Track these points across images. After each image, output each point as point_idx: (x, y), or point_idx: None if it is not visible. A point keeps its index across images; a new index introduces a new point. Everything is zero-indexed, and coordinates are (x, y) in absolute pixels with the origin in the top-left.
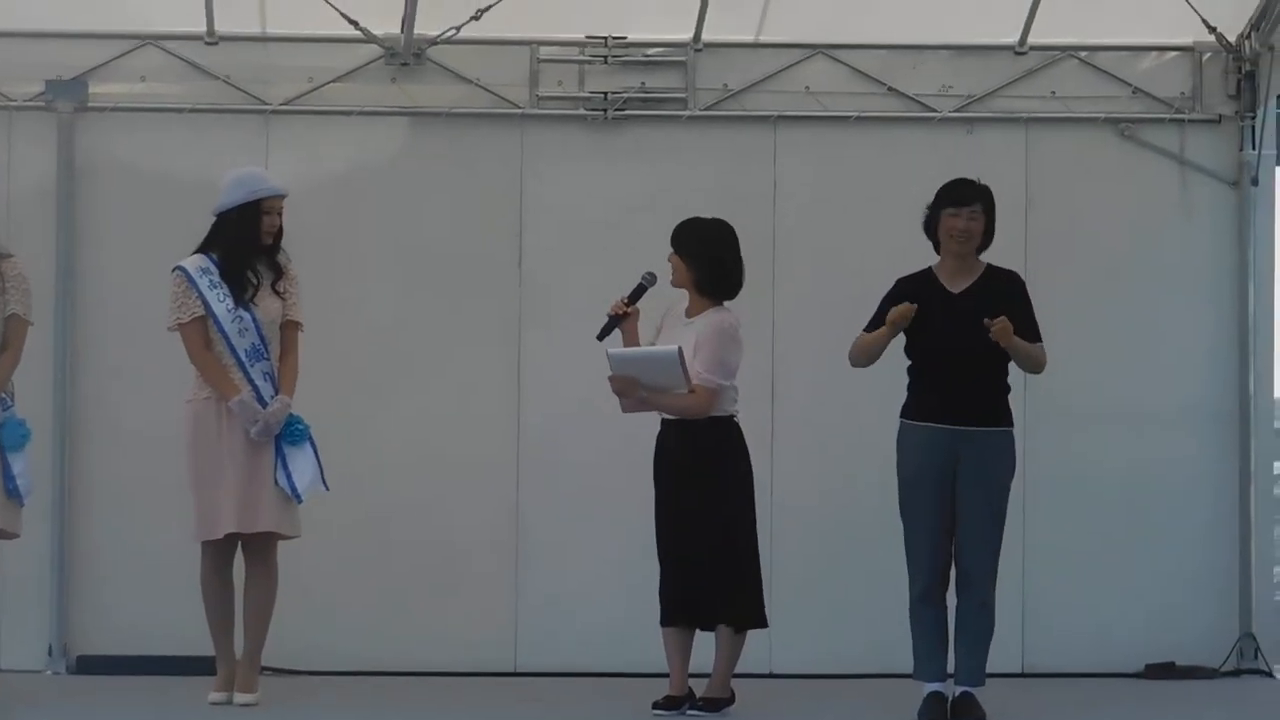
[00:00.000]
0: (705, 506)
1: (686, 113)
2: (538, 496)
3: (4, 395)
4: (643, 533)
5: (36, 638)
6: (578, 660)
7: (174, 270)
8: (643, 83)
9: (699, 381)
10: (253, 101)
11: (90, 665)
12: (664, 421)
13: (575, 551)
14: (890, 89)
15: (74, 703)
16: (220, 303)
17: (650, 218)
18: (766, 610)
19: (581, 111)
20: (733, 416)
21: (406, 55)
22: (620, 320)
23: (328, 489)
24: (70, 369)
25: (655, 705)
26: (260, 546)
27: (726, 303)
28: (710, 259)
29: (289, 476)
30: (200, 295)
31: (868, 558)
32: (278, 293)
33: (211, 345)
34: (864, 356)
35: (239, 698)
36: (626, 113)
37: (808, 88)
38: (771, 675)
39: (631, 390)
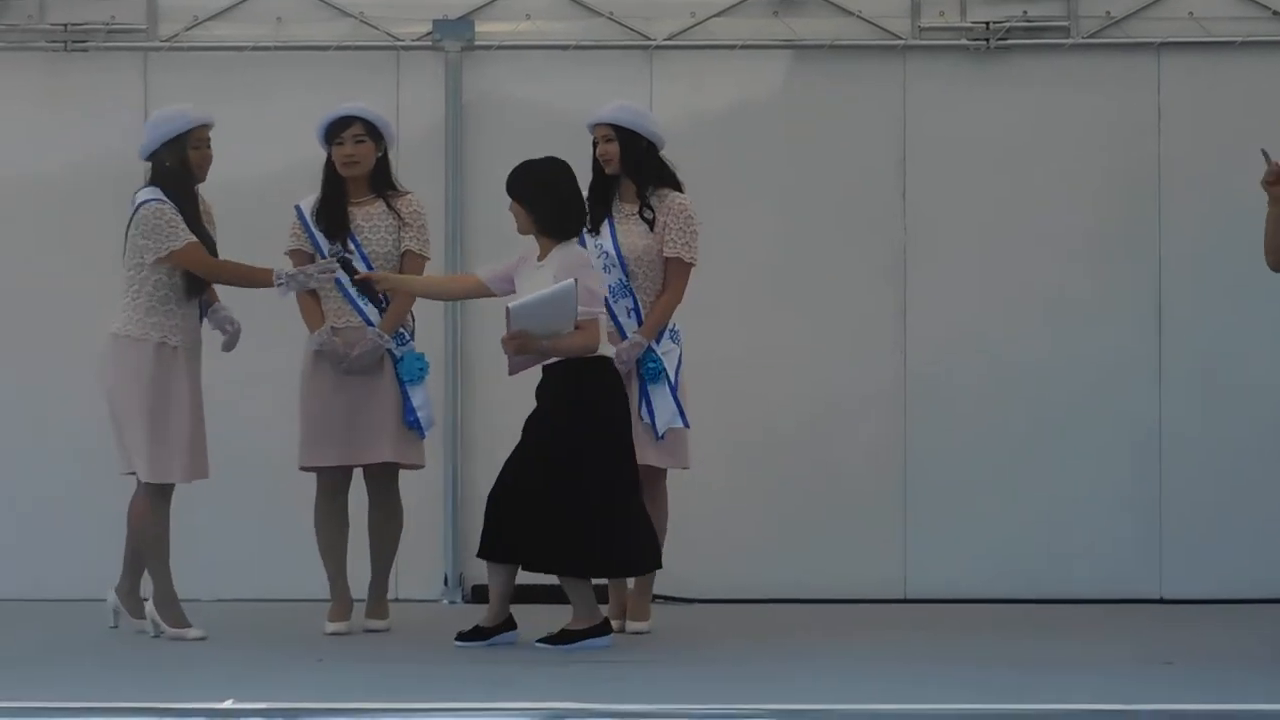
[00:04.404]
0: (590, 449)
1: (1069, 41)
2: (926, 426)
3: (403, 330)
4: (1028, 460)
5: (433, 568)
6: (969, 586)
7: None
8: (1025, 11)
9: (581, 318)
10: (636, 38)
11: (485, 595)
12: (546, 370)
13: (964, 480)
14: (1276, 12)
15: None
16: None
17: (1034, 147)
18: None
19: (964, 42)
20: (607, 357)
21: None
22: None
23: (687, 426)
24: (462, 302)
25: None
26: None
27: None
28: (548, 200)
29: (651, 414)
30: None
31: (1262, 485)
32: (647, 221)
33: None
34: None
35: (631, 625)
36: (1009, 42)
37: (1191, 13)
38: (1162, 601)
39: (529, 345)
